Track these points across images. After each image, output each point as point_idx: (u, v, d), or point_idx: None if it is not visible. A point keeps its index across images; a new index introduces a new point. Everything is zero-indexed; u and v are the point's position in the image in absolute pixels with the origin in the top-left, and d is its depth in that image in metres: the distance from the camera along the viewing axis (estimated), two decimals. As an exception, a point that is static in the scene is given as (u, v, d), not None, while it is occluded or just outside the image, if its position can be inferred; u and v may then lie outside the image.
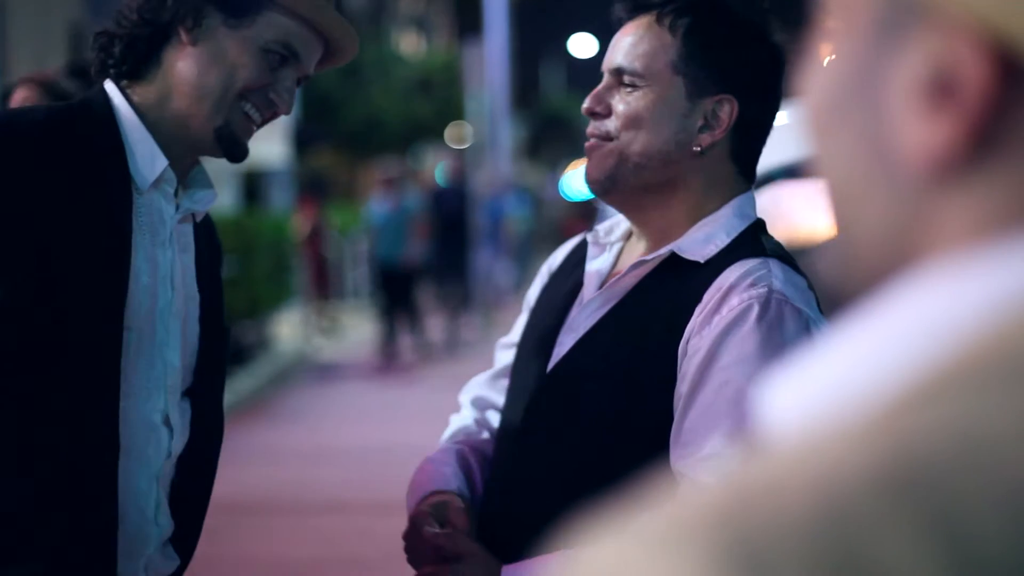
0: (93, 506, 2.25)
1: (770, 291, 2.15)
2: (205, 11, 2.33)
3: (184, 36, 2.33)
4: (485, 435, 2.55)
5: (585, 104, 2.34)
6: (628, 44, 2.32)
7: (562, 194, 36.06)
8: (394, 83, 29.76)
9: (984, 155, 0.61)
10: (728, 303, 2.15)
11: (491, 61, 21.88)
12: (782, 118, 4.85)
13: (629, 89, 2.30)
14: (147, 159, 2.33)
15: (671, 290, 2.23)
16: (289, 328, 16.36)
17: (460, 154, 19.30)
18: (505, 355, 2.60)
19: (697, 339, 2.16)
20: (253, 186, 22.23)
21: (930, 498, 0.54)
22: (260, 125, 2.38)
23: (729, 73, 2.30)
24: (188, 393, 2.43)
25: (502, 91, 23.01)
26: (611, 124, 2.30)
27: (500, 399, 2.57)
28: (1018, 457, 0.55)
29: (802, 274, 2.26)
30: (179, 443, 2.38)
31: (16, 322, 2.18)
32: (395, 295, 15.90)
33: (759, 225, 2.33)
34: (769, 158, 4.03)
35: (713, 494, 0.56)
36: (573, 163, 58.52)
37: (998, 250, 0.60)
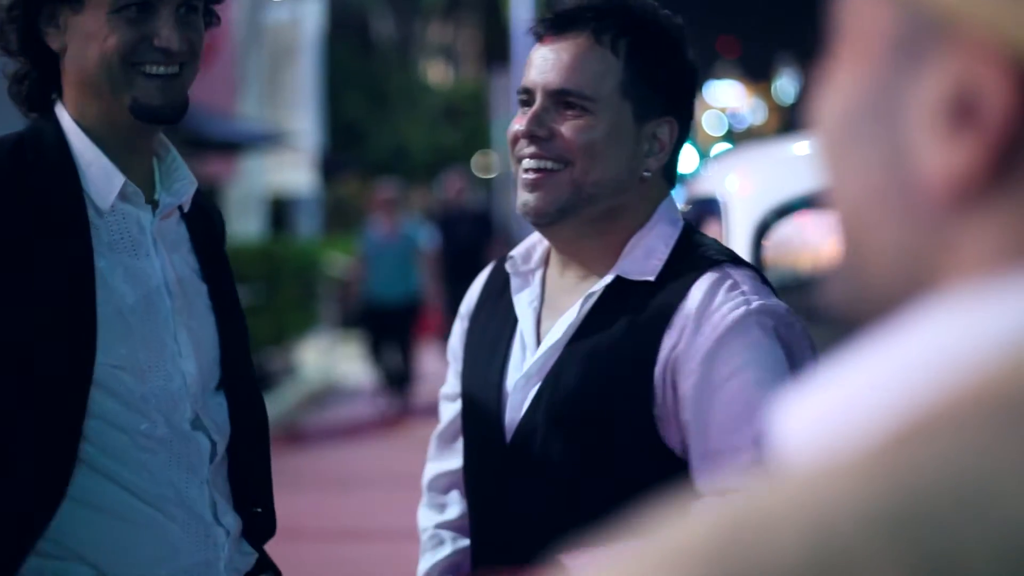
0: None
1: (747, 301, 2.10)
2: (44, 11, 2.26)
3: (54, 45, 2.26)
4: (448, 546, 2.45)
5: (522, 127, 2.18)
6: (567, 64, 2.17)
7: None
8: (421, 112, 29.87)
9: (1005, 179, 0.59)
10: (709, 323, 2.09)
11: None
12: (807, 147, 4.83)
13: (576, 112, 2.17)
14: (102, 179, 2.28)
15: (627, 315, 2.15)
16: (315, 355, 16.37)
17: (463, 174, 17.97)
18: (449, 408, 2.47)
19: (687, 366, 2.09)
20: (280, 213, 22.30)
21: (924, 538, 0.52)
22: (181, 71, 2.28)
23: (670, 94, 2.21)
24: (221, 385, 2.36)
25: (528, 120, 22.98)
26: (558, 149, 2.16)
27: (456, 462, 2.45)
28: (1016, 497, 0.53)
29: (748, 265, 2.20)
30: (221, 441, 2.33)
31: None
32: (385, 338, 13.44)
33: (688, 226, 2.25)
34: (794, 187, 4.02)
35: (711, 524, 0.55)
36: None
37: (1016, 280, 0.58)
